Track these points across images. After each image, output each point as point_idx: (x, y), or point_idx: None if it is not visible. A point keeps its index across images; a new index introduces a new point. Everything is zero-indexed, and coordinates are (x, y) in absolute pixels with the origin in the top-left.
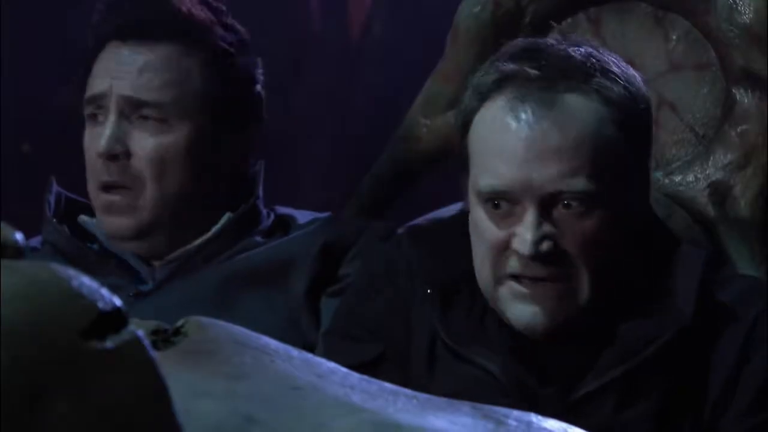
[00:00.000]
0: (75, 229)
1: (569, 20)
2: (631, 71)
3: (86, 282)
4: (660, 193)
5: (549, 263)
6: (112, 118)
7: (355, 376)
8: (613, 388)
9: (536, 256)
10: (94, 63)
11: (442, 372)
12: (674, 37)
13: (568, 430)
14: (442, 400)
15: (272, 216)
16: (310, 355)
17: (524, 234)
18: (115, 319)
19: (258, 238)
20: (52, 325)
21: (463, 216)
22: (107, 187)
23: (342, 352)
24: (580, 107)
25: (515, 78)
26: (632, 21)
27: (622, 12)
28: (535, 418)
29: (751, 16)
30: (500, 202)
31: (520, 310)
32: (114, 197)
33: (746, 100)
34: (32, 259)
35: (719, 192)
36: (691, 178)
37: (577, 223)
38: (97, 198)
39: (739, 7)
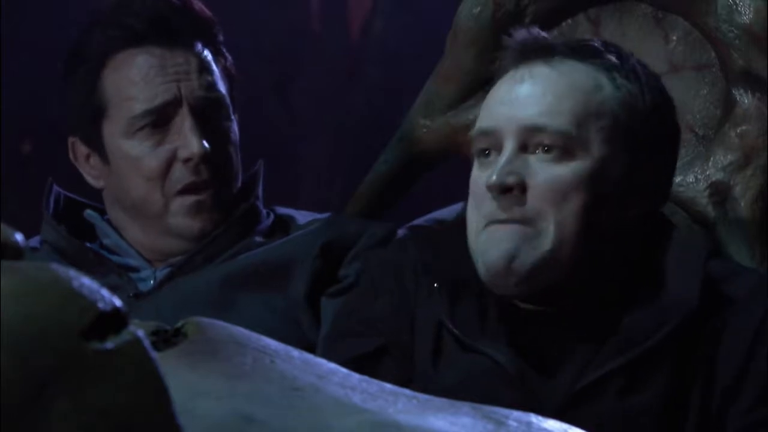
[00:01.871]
0: (73, 228)
1: (569, 21)
2: (652, 71)
3: (86, 282)
4: None
5: (516, 204)
6: (188, 121)
7: (355, 377)
8: (617, 377)
9: (500, 187)
10: (113, 67)
11: (448, 363)
12: (674, 38)
13: (569, 430)
14: (442, 401)
15: (272, 216)
16: (310, 356)
17: (495, 165)
18: (115, 320)
19: (258, 239)
20: (52, 326)
21: (465, 216)
22: (192, 189)
23: (341, 348)
24: (578, 70)
25: (529, 48)
26: (632, 21)
27: (622, 12)
28: (535, 419)
29: (751, 16)
30: (488, 150)
31: (489, 254)
32: (201, 196)
33: (746, 101)
34: (32, 259)
35: (719, 192)
36: (691, 178)
37: (550, 168)
38: (176, 202)
39: (739, 8)
